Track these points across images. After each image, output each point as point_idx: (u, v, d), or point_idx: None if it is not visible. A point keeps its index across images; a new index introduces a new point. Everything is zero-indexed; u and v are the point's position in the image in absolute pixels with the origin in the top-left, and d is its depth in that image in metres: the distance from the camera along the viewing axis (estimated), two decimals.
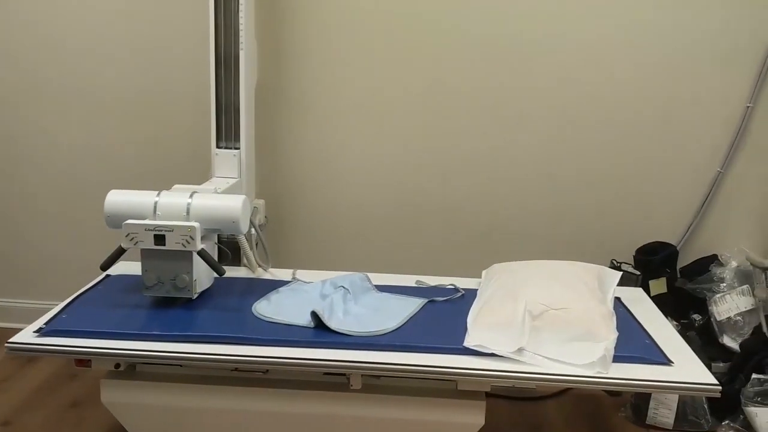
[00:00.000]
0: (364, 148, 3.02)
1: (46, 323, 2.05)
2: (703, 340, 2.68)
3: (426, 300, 2.26)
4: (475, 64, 2.89)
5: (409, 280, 2.46)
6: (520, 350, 1.90)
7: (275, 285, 2.37)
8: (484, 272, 2.42)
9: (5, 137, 3.12)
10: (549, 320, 1.96)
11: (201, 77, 2.89)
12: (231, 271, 2.39)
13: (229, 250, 2.53)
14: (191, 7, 2.92)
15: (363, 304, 2.21)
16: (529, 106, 2.91)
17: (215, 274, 2.22)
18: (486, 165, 2.98)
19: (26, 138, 3.12)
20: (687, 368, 1.91)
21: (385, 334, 2.01)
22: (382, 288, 2.36)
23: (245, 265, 2.55)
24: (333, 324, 2.03)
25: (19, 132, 3.11)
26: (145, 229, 2.09)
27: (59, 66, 3.04)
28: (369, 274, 2.42)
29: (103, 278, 2.42)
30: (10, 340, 1.95)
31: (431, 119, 2.97)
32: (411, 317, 2.13)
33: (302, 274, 2.49)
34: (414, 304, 2.22)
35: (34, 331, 2.00)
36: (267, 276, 2.49)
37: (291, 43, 2.94)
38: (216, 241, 2.41)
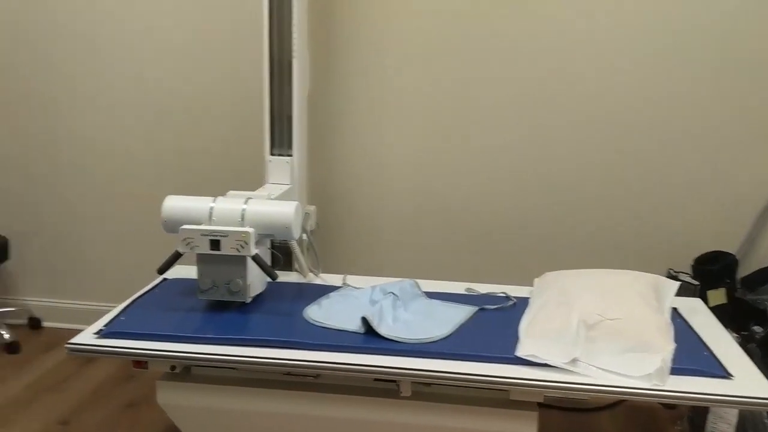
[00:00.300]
0: (415, 154, 3.02)
1: (105, 325, 2.10)
2: (764, 352, 2.59)
3: (476, 308, 2.24)
4: (532, 71, 2.87)
5: (458, 288, 2.44)
6: (573, 361, 1.87)
7: (326, 290, 2.39)
8: (536, 280, 2.39)
9: (68, 143, 3.23)
10: (604, 330, 1.92)
11: (255, 85, 2.95)
12: (283, 276, 2.42)
13: (281, 254, 2.57)
14: (245, 17, 2.97)
15: (412, 310, 2.21)
16: (583, 113, 2.87)
17: (268, 279, 2.25)
18: (539, 172, 2.95)
19: (86, 144, 3.22)
20: (747, 382, 1.85)
21: (435, 341, 2.00)
22: (431, 295, 2.35)
23: (296, 270, 2.58)
24: (383, 330, 2.03)
25: (78, 138, 3.22)
26: (201, 234, 2.13)
27: (115, 74, 3.14)
28: (418, 281, 2.41)
29: (160, 282, 2.48)
30: (71, 341, 2.01)
31: (481, 127, 2.95)
32: (462, 325, 2.12)
33: (352, 279, 2.50)
34: (464, 311, 2.21)
35: (94, 333, 2.06)
36: (318, 281, 2.51)
37: (342, 51, 2.97)
38: (269, 246, 2.45)
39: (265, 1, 2.55)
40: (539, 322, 2.03)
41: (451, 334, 2.05)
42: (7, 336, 3.12)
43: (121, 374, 2.92)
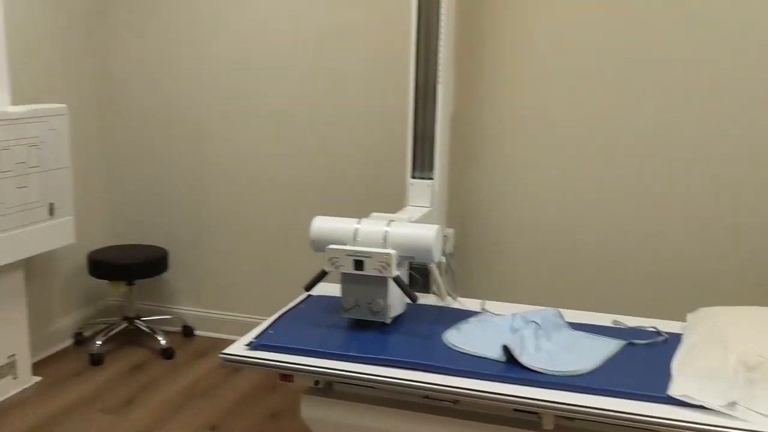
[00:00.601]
0: (559, 180, 2.96)
1: (255, 338, 2.20)
2: None
3: (625, 342, 2.15)
4: (684, 91, 2.74)
5: (604, 319, 2.35)
6: (731, 404, 1.74)
7: (464, 315, 2.38)
8: (689, 316, 2.25)
9: (221, 164, 3.44)
10: (766, 373, 1.78)
11: (398, 107, 3.01)
12: (421, 298, 2.43)
13: (420, 276, 2.59)
14: (390, 38, 3.05)
15: (555, 341, 2.15)
16: (747, 140, 2.70)
17: (408, 300, 2.27)
18: (695, 202, 2.80)
19: (239, 165, 3.41)
20: None
21: (580, 375, 1.94)
22: (575, 326, 2.28)
23: (434, 293, 2.59)
24: (524, 359, 1.99)
25: (231, 159, 3.42)
26: (346, 255, 2.19)
27: (258, 93, 3.31)
28: (561, 310, 2.35)
29: (305, 298, 2.57)
30: (225, 351, 2.12)
31: (633, 156, 2.85)
32: (608, 359, 2.03)
33: (491, 305, 2.47)
34: (612, 345, 2.12)
35: (245, 345, 2.16)
36: (455, 305, 2.51)
37: (485, 74, 2.97)
38: (408, 268, 2.48)
39: (413, 26, 2.61)
40: (694, 360, 1.91)
41: (597, 368, 1.97)
42: (163, 342, 3.35)
43: (265, 385, 3.04)
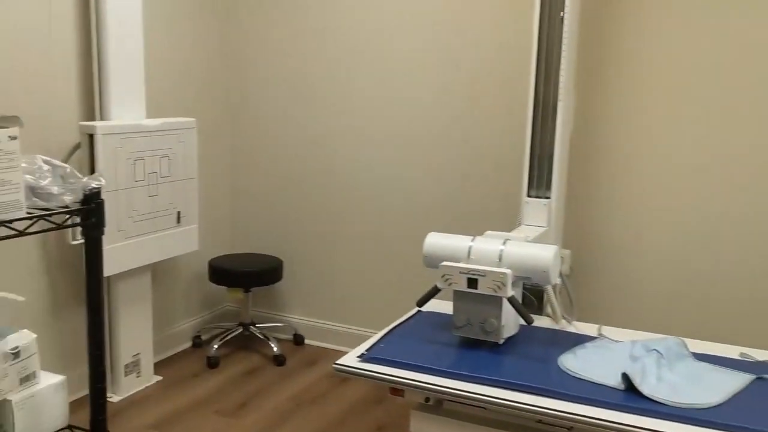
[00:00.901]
0: (678, 204, 2.83)
1: (367, 350, 2.22)
2: None
3: (753, 376, 2.01)
4: None
5: (731, 351, 2.22)
6: None
7: (580, 339, 2.31)
8: None
9: (336, 177, 3.51)
10: None
11: (515, 124, 2.98)
12: (535, 320, 2.38)
13: (534, 297, 2.54)
14: (510, 55, 3.03)
15: (678, 371, 2.05)
16: None
17: (521, 322, 2.23)
18: None
19: (353, 179, 3.47)
20: None
21: (705, 408, 1.83)
22: (699, 356, 2.16)
23: (548, 315, 2.53)
24: (645, 389, 1.90)
25: (346, 173, 3.48)
26: (460, 272, 2.18)
27: (377, 110, 3.36)
28: (685, 340, 2.23)
29: (415, 313, 2.57)
30: (338, 362, 2.16)
31: (754, 177, 2.68)
32: (735, 394, 1.91)
33: (608, 330, 2.39)
34: (740, 379, 2.00)
35: (357, 356, 2.19)
36: (571, 328, 2.44)
37: (606, 92, 2.89)
38: (522, 289, 2.43)
39: (534, 43, 2.58)
40: None
41: (723, 403, 1.86)
42: (275, 349, 3.45)
43: (372, 397, 3.07)
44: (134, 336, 3.13)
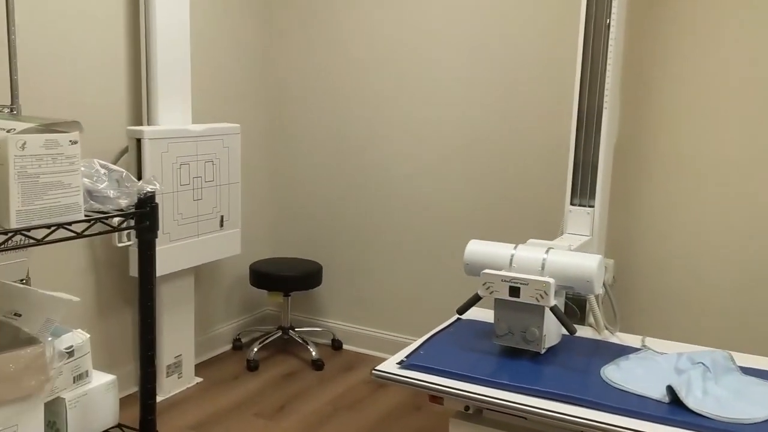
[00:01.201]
0: (727, 211, 2.77)
1: (406, 357, 2.23)
2: None
3: None
4: None
5: None
6: None
7: (623, 350, 2.28)
8: None
9: (375, 185, 3.53)
10: None
11: (559, 132, 2.96)
12: (577, 330, 2.36)
13: (576, 307, 2.52)
14: (555, 63, 3.01)
15: (725, 385, 2.01)
16: None
17: (563, 331, 2.21)
18: None
19: (393, 185, 3.49)
20: None
21: (751, 423, 1.79)
22: (747, 371, 2.12)
23: (591, 325, 2.50)
24: (691, 403, 1.87)
25: (387, 179, 3.50)
26: (502, 280, 2.17)
27: (420, 117, 3.36)
28: (733, 353, 2.19)
29: (454, 320, 2.57)
30: (377, 368, 2.16)
31: None
32: None
33: (652, 342, 2.35)
34: None
35: (397, 363, 2.19)
36: (614, 339, 2.41)
37: (652, 101, 2.85)
38: (564, 298, 2.41)
39: (580, 50, 2.56)
40: None
41: None
42: (314, 353, 3.47)
43: (410, 403, 3.07)
44: (177, 337, 3.18)
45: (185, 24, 3.04)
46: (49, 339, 1.26)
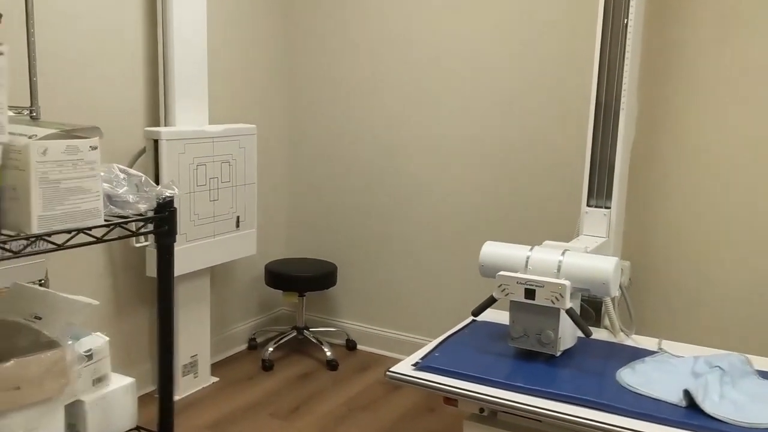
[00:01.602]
0: (742, 218, 2.75)
1: (421, 358, 2.23)
2: None
3: None
4: None
5: None
6: None
7: (638, 353, 2.27)
8: None
9: (390, 186, 3.53)
10: None
11: (576, 133, 2.95)
12: (593, 333, 2.36)
13: (591, 309, 2.51)
14: (574, 67, 3.00)
15: (742, 389, 2.00)
16: None
17: (579, 334, 2.21)
18: None
19: (411, 185, 3.49)
20: None
21: None
22: (764, 374, 2.11)
23: (606, 328, 2.49)
24: (707, 407, 1.87)
25: (406, 180, 3.50)
26: (517, 282, 2.17)
27: (437, 119, 3.36)
28: (750, 357, 2.18)
29: (469, 322, 2.57)
30: (391, 369, 2.17)
31: None
32: None
33: (669, 345, 2.34)
34: None
35: (411, 365, 2.20)
36: (629, 342, 2.40)
37: (669, 102, 2.84)
38: (580, 300, 2.41)
39: (597, 50, 2.55)
40: None
41: None
42: (329, 354, 3.49)
43: (423, 405, 3.07)
44: (192, 337, 3.20)
45: (202, 26, 3.06)
46: (69, 342, 1.28)
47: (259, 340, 3.76)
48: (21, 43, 2.41)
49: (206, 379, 3.29)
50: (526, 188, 3.19)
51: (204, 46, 3.08)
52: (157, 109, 3.06)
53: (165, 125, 3.03)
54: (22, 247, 1.15)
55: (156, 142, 2.84)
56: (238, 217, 3.20)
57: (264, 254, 3.72)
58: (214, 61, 3.30)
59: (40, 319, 1.32)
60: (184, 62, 3.00)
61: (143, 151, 2.93)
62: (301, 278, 3.47)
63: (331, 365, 3.46)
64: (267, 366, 3.44)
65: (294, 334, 3.62)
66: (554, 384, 2.04)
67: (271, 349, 3.51)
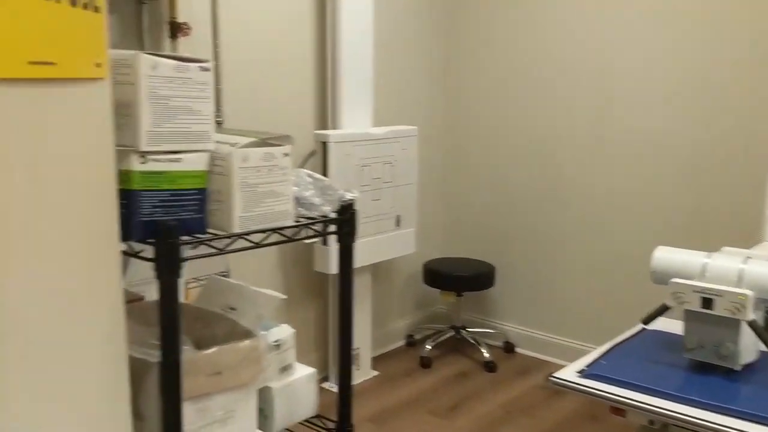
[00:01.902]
0: None
1: (587, 366, 2.18)
2: None
3: None
4: None
5: None
6: None
7: None
8: None
9: (554, 186, 3.47)
10: None
11: (758, 132, 2.76)
12: None
13: None
14: (752, 63, 2.81)
15: None
16: None
17: (762, 348, 2.06)
18: None
19: (576, 188, 3.41)
20: None
21: None
22: None
23: None
24: None
25: (569, 183, 3.43)
26: (693, 291, 2.06)
27: (603, 118, 3.26)
28: None
29: (639, 331, 2.47)
30: (555, 375, 2.13)
31: None
32: None
33: None
34: None
35: (576, 371, 2.15)
36: None
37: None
38: (763, 312, 2.25)
39: None
40: None
41: None
42: (486, 355, 3.49)
43: (586, 413, 3.00)
44: (355, 331, 3.31)
45: (369, 32, 3.16)
46: (262, 333, 1.39)
47: (416, 337, 3.83)
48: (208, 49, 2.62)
49: (367, 372, 3.41)
50: (702, 191, 3.02)
51: (370, 52, 3.18)
52: (325, 112, 3.21)
53: (332, 128, 3.17)
54: (225, 245, 1.27)
55: (325, 144, 2.98)
56: (398, 216, 3.29)
57: (422, 253, 3.78)
58: (379, 65, 3.40)
59: (234, 309, 1.45)
60: (352, 67, 3.12)
61: (313, 152, 3.09)
62: (459, 278, 3.50)
63: (489, 366, 3.46)
64: (425, 363, 3.51)
65: (452, 333, 3.66)
66: (734, 400, 1.92)
67: (429, 346, 3.57)
